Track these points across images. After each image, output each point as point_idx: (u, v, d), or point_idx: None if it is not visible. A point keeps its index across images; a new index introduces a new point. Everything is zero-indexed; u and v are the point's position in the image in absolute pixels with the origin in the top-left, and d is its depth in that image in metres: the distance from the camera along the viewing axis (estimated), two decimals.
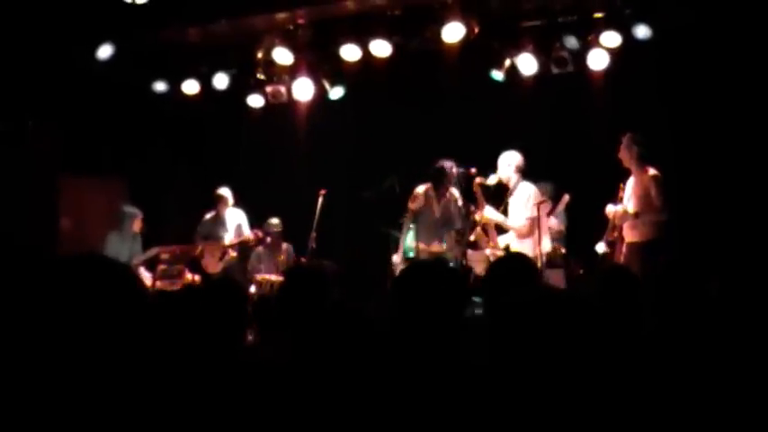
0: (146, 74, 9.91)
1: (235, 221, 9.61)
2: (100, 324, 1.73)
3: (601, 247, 7.76)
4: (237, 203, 9.69)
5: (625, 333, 3.44)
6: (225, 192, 9.58)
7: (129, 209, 9.37)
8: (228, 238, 9.52)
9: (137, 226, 9.25)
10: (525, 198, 7.78)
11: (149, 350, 1.90)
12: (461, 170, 8.39)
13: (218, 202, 9.59)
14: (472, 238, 8.14)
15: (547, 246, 7.68)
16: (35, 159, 9.57)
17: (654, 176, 7.32)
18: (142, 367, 1.82)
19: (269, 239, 9.40)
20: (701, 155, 8.39)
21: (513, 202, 7.89)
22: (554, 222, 8.53)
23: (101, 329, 1.72)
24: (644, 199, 7.32)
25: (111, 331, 1.74)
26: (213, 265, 9.49)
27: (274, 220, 9.48)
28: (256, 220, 9.67)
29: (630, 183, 7.52)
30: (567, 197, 8.28)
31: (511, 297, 2.27)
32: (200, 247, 9.24)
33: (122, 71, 9.47)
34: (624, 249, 7.49)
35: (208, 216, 9.67)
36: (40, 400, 1.64)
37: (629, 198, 7.46)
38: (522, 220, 7.72)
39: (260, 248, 9.53)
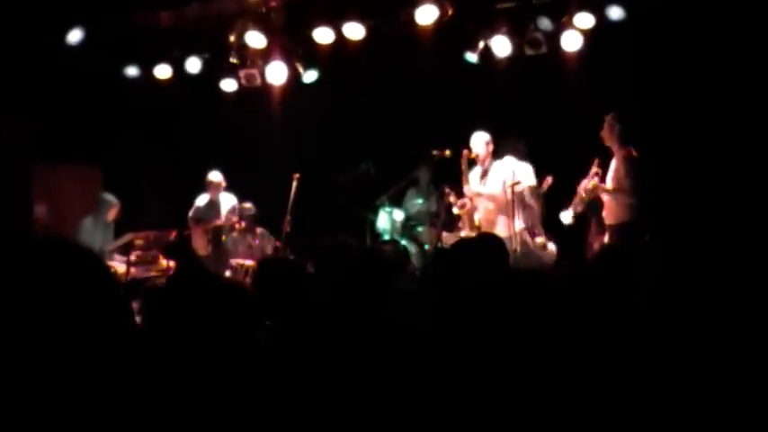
0: (117, 59, 9.80)
1: (228, 205, 9.58)
2: (64, 310, 1.69)
3: (566, 217, 7.79)
4: (228, 188, 9.65)
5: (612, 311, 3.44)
6: (216, 176, 9.55)
7: (108, 196, 9.28)
8: (220, 221, 9.50)
9: (112, 214, 9.18)
10: (507, 174, 7.83)
11: (118, 341, 1.86)
12: (435, 153, 8.42)
13: (210, 186, 9.56)
14: (456, 210, 8.14)
15: (519, 226, 7.71)
16: (7, 147, 9.47)
17: (627, 157, 7.35)
18: (110, 359, 1.78)
19: (243, 224, 9.35)
20: (674, 136, 8.43)
21: (490, 178, 7.94)
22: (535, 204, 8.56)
23: (65, 316, 1.69)
24: (617, 179, 7.37)
25: (72, 317, 1.70)
26: (203, 248, 9.50)
27: (248, 205, 9.44)
28: None
29: (613, 162, 7.59)
30: (549, 179, 8.31)
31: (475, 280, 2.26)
32: (174, 233, 9.17)
33: (94, 57, 9.37)
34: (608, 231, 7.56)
35: (201, 201, 9.62)
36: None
37: (610, 177, 7.53)
38: (506, 193, 7.79)
39: (234, 233, 9.49)
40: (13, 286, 1.66)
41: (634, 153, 7.40)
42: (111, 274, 1.88)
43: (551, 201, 8.36)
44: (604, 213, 7.58)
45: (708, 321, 3.11)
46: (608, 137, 7.51)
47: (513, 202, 7.64)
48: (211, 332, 2.87)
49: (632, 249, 4.40)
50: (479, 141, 8.01)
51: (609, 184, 7.51)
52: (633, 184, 7.28)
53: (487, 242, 4.59)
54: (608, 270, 3.81)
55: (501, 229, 7.65)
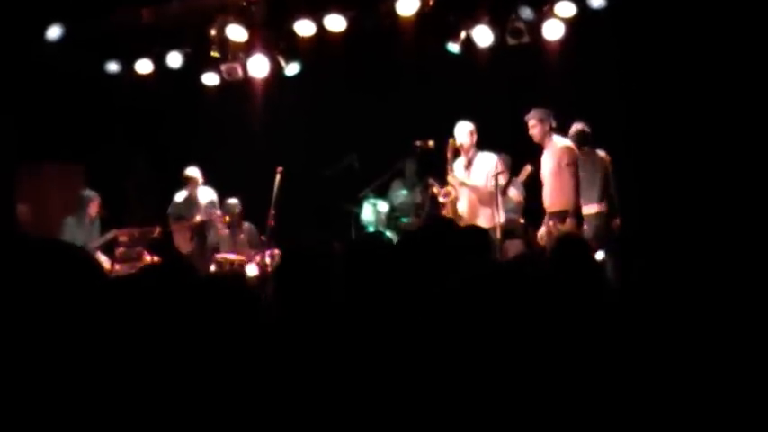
0: (98, 56, 9.75)
1: (206, 200, 9.52)
2: (55, 309, 1.69)
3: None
4: (207, 182, 9.60)
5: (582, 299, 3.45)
6: (194, 172, 9.47)
7: (86, 192, 9.27)
8: (200, 217, 9.44)
9: (93, 210, 9.15)
10: (490, 167, 7.85)
11: (110, 335, 1.86)
12: (419, 144, 8.43)
13: (188, 182, 9.48)
14: (441, 199, 8.10)
15: (501, 217, 7.73)
16: None
17: (566, 147, 7.40)
18: (101, 353, 1.78)
19: (227, 218, 9.31)
20: (656, 124, 8.44)
21: (474, 170, 7.95)
22: (514, 193, 8.57)
23: (56, 314, 1.69)
24: (557, 170, 7.38)
25: (68, 316, 1.70)
26: (185, 245, 9.42)
27: (233, 201, 9.41)
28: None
29: (545, 156, 7.58)
30: (528, 168, 8.33)
31: (463, 272, 2.27)
32: (158, 229, 9.13)
33: (75, 54, 9.32)
34: (546, 219, 7.56)
35: (179, 197, 9.56)
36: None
37: (549, 170, 7.52)
38: (488, 185, 7.82)
39: (220, 228, 9.45)
40: (6, 287, 1.66)
41: (571, 144, 7.46)
42: (100, 270, 1.89)
43: (531, 190, 8.39)
44: (545, 202, 7.57)
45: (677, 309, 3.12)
46: (539, 134, 7.52)
47: (497, 194, 7.65)
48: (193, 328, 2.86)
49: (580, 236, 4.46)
50: (463, 131, 8.02)
51: (546, 176, 7.53)
52: (574, 171, 7.31)
53: (473, 235, 4.60)
54: (567, 258, 3.84)
55: (483, 220, 7.68)
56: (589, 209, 7.70)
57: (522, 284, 2.22)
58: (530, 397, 2.07)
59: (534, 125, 7.50)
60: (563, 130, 7.74)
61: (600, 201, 7.83)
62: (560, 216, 7.30)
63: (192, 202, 9.49)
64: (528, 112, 7.58)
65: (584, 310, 2.99)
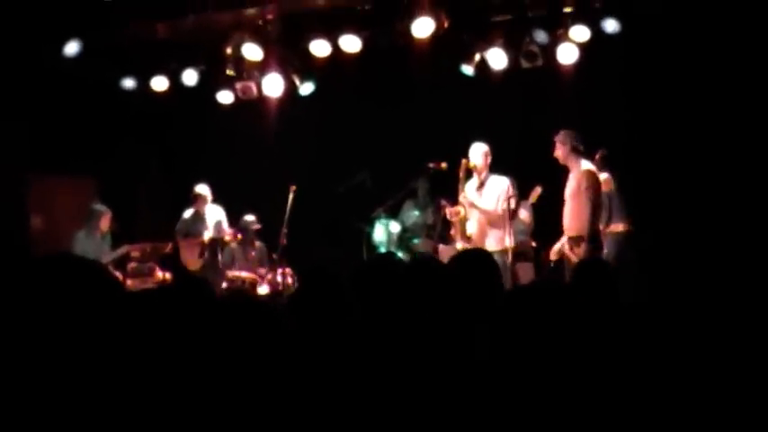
0: (114, 70, 9.79)
1: (214, 218, 9.53)
2: (73, 323, 1.70)
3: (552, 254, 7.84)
4: (216, 200, 9.62)
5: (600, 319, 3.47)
6: (203, 189, 9.50)
7: (97, 207, 9.26)
8: (208, 234, 9.44)
9: (105, 224, 9.13)
10: (501, 190, 7.84)
11: (126, 347, 1.87)
12: (431, 165, 8.43)
13: (196, 199, 9.50)
14: (449, 218, 8.09)
15: (511, 241, 7.72)
16: (2, 158, 9.45)
17: (586, 171, 7.38)
18: (120, 365, 1.79)
19: (239, 236, 9.33)
20: (669, 148, 8.45)
21: (486, 192, 7.94)
22: (525, 215, 8.57)
23: (74, 328, 1.70)
24: (576, 193, 7.37)
25: (86, 330, 1.71)
26: (193, 262, 9.43)
27: (251, 218, 9.41)
28: (228, 218, 9.62)
29: (570, 176, 7.59)
30: (539, 189, 8.33)
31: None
32: (170, 245, 9.15)
33: (90, 68, 9.35)
34: (566, 243, 7.53)
35: (187, 214, 9.58)
36: (18, 401, 1.62)
37: (569, 192, 7.52)
38: (498, 209, 7.79)
39: (233, 245, 9.47)
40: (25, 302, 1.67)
41: (592, 167, 7.45)
42: (118, 285, 1.90)
43: (540, 211, 8.39)
44: (564, 223, 7.56)
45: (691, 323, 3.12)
46: (562, 155, 7.50)
47: (508, 218, 7.64)
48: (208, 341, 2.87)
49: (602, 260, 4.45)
50: (478, 152, 8.02)
51: (567, 198, 7.51)
52: (593, 196, 7.29)
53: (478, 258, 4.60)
54: (588, 283, 3.85)
55: (492, 243, 7.68)
56: (618, 227, 7.75)
57: (539, 312, 2.23)
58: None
59: (558, 146, 7.48)
60: (589, 154, 7.70)
61: (626, 220, 7.85)
62: (576, 241, 7.28)
63: (199, 219, 9.51)
64: (556, 132, 7.54)
65: (606, 336, 2.99)
